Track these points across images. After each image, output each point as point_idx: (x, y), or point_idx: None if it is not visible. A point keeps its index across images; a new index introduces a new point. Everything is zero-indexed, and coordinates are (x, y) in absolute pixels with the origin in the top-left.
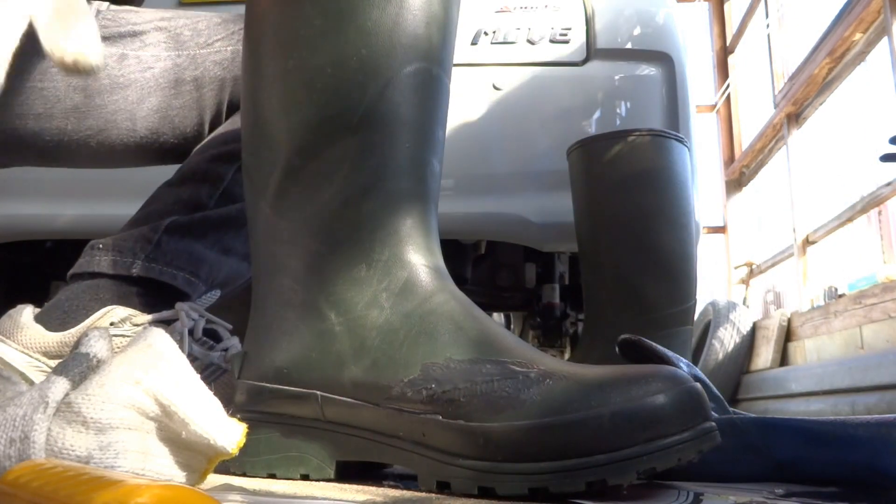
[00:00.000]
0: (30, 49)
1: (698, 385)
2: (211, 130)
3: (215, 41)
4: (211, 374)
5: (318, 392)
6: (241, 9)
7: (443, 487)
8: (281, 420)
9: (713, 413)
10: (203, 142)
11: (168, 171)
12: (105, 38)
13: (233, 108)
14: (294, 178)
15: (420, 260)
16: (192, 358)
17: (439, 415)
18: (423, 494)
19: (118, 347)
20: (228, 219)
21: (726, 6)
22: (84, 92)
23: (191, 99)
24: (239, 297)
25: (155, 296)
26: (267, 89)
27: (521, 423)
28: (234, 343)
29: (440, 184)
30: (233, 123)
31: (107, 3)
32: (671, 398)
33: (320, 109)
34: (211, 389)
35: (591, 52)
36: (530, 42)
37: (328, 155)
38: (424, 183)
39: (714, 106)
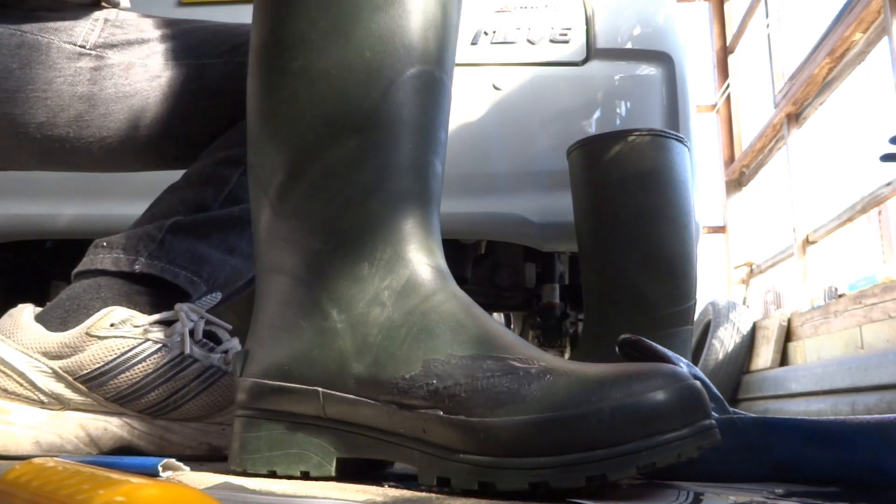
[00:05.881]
0: (34, 59)
1: (698, 383)
2: (214, 140)
3: (223, 52)
4: (210, 375)
5: (320, 389)
6: (242, 10)
7: (443, 483)
8: (282, 417)
9: (713, 413)
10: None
11: (172, 172)
12: (113, 46)
13: (238, 119)
14: (297, 178)
15: (422, 259)
16: (193, 360)
17: (440, 410)
18: (423, 494)
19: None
20: (233, 219)
21: (726, 6)
22: (89, 101)
23: (196, 109)
24: (243, 298)
25: (156, 295)
26: (272, 89)
27: (522, 418)
28: (234, 345)
29: (442, 185)
30: (239, 128)
31: (115, 11)
32: (671, 395)
33: (324, 110)
34: (211, 392)
35: (591, 52)
36: (530, 42)
37: (332, 155)
38: (426, 183)
39: (714, 106)
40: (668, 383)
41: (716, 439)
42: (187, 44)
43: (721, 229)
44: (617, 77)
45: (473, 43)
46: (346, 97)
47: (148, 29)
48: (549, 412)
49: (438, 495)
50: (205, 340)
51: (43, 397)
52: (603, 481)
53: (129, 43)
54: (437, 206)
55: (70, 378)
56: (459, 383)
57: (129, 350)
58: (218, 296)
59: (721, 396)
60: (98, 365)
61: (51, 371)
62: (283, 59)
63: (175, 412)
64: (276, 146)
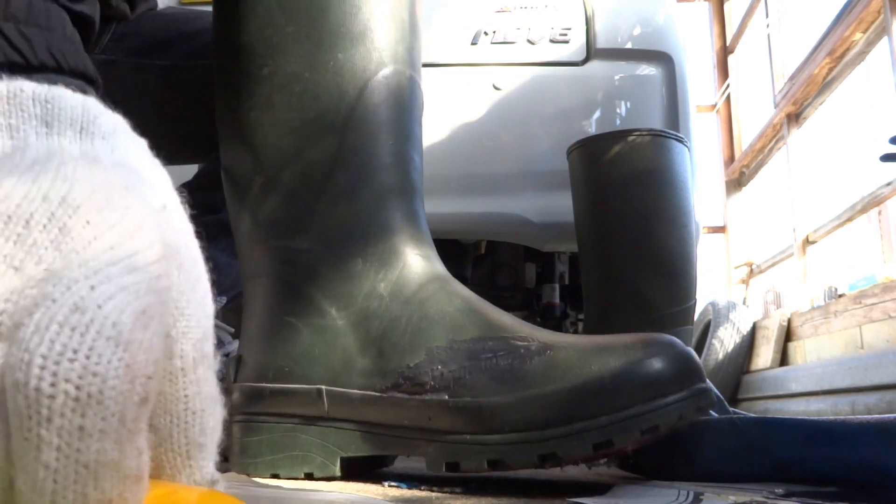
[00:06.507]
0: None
1: (690, 349)
2: None
3: None
4: None
5: (324, 387)
6: None
7: (452, 469)
8: (282, 420)
9: (713, 413)
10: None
11: (181, 173)
12: (123, 47)
13: None
14: (277, 181)
15: (413, 250)
16: None
17: (445, 394)
18: (423, 494)
19: None
20: None
21: (726, 6)
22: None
23: (208, 109)
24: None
25: None
26: (241, 95)
27: (525, 393)
28: (235, 347)
29: (423, 177)
30: None
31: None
32: (668, 360)
33: (301, 113)
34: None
35: (591, 52)
36: (530, 42)
37: (313, 156)
38: (409, 177)
39: (714, 106)
40: (664, 350)
41: (712, 400)
42: (199, 43)
43: (721, 229)
44: (617, 77)
45: (473, 43)
46: (322, 98)
47: (159, 28)
48: (551, 385)
49: (439, 495)
50: None
51: None
52: (610, 448)
53: (139, 43)
54: (420, 199)
55: None
56: (464, 366)
57: None
58: (223, 299)
59: (721, 396)
60: None
61: None
62: (250, 64)
63: None
64: (252, 151)
